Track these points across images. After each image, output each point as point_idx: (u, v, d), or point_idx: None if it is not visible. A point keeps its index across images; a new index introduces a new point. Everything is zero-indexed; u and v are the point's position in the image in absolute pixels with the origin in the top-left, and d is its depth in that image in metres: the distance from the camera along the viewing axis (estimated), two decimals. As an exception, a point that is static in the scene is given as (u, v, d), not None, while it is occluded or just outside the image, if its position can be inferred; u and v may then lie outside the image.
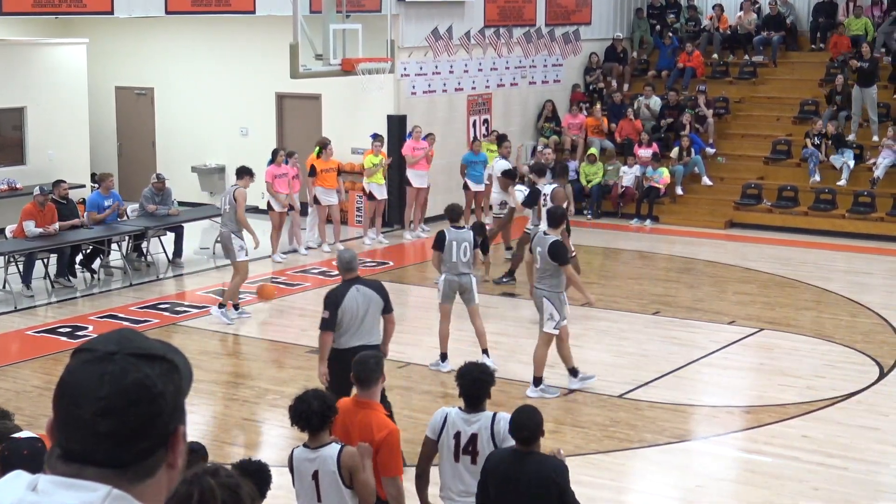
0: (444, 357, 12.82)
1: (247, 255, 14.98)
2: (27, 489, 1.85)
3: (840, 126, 21.90)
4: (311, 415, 6.51)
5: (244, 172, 15.62)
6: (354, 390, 7.30)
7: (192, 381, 2.00)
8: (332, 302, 9.71)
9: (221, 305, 14.79)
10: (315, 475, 6.57)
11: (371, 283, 10.06)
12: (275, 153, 18.74)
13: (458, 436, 6.94)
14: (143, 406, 1.85)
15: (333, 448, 6.56)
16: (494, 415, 6.95)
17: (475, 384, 7.00)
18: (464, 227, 12.86)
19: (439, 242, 12.63)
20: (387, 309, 9.90)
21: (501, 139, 19.79)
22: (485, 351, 12.66)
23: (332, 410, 6.60)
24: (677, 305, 15.73)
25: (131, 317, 15.18)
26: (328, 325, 9.69)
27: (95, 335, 1.98)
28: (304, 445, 6.68)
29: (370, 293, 9.81)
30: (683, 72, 24.89)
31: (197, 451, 6.18)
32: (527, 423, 6.47)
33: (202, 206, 21.39)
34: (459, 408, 7.10)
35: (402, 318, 15.30)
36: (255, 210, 20.20)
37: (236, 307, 15.03)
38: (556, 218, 11.83)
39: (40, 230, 16.22)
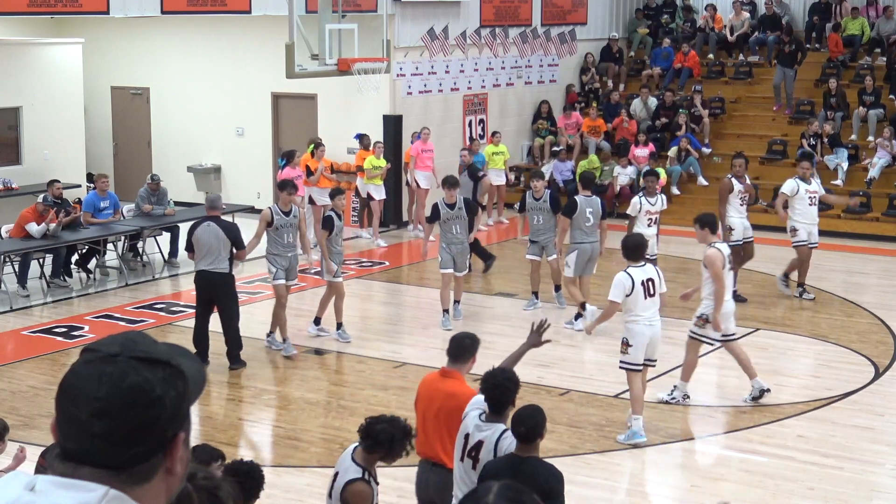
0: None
1: (275, 279, 13.52)
2: (25, 489, 1.85)
3: (837, 127, 21.94)
4: (371, 433, 6.51)
5: (280, 187, 13.93)
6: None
7: (203, 387, 2.00)
8: (190, 231, 12.96)
9: (269, 333, 13.87)
10: (335, 475, 6.62)
11: (224, 223, 12.87)
12: (291, 155, 18.62)
13: (467, 437, 6.92)
14: (140, 409, 1.85)
15: (351, 472, 6.50)
16: (503, 433, 6.78)
17: (497, 389, 6.85)
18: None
19: (329, 224, 13.64)
20: (236, 246, 12.70)
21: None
22: (315, 320, 14.11)
23: (382, 445, 6.50)
24: (673, 305, 15.72)
25: (127, 317, 15.18)
26: (186, 246, 13.11)
27: (106, 336, 1.98)
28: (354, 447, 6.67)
29: (217, 230, 12.65)
30: (680, 72, 24.93)
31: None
32: (526, 419, 6.48)
33: (198, 206, 21.37)
34: (483, 412, 6.93)
35: (399, 318, 15.32)
36: (250, 209, 20.20)
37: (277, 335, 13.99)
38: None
39: (43, 227, 16.11)
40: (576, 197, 14.73)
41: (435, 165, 20.42)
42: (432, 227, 14.95)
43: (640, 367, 10.70)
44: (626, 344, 10.69)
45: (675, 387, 11.78)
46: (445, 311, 14.62)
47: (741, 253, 15.51)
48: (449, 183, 14.64)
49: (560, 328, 14.73)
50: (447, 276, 14.55)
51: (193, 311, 15.47)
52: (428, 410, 7.42)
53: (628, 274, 10.62)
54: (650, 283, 10.63)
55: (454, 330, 13.93)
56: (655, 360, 10.94)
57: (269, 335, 13.78)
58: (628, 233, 14.18)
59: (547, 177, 22.07)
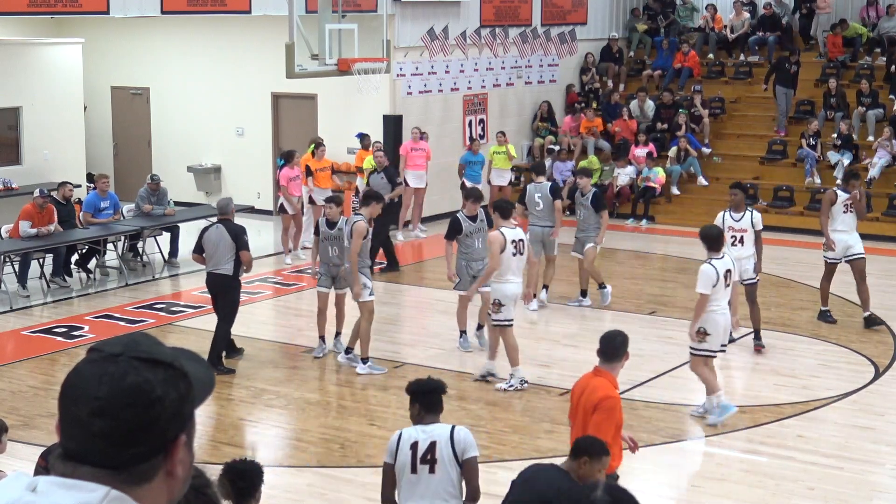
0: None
1: (371, 294, 12.82)
2: (26, 489, 1.85)
3: (850, 128, 21.92)
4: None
5: (370, 198, 13.02)
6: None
7: (210, 391, 2.00)
8: (200, 233, 13.03)
9: (365, 360, 12.81)
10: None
11: (230, 225, 12.76)
12: (290, 155, 18.61)
13: (414, 446, 6.80)
14: (139, 409, 1.85)
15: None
16: (453, 427, 6.91)
17: (429, 394, 6.99)
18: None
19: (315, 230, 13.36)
20: (238, 246, 12.60)
21: None
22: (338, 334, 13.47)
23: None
24: (673, 305, 15.75)
25: (127, 317, 15.18)
26: (194, 248, 13.10)
27: (112, 336, 1.98)
28: None
29: (224, 231, 12.65)
30: (680, 72, 24.94)
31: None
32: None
33: (198, 206, 21.40)
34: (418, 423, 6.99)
35: (398, 318, 15.32)
36: (249, 209, 20.20)
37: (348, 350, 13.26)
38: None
39: (35, 231, 16.23)
40: (527, 185, 15.41)
41: (430, 165, 20.44)
42: (452, 245, 13.39)
43: (715, 354, 11.14)
44: (704, 333, 10.96)
45: (511, 375, 12.15)
46: (463, 332, 13.57)
47: (834, 271, 14.55)
48: (474, 196, 13.48)
49: (560, 328, 14.74)
50: (464, 298, 13.33)
51: (195, 310, 15.55)
52: (578, 406, 7.55)
53: (712, 265, 10.90)
54: (728, 275, 11.01)
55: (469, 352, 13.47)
56: (725, 346, 11.32)
57: (365, 360, 12.88)
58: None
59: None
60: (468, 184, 20.57)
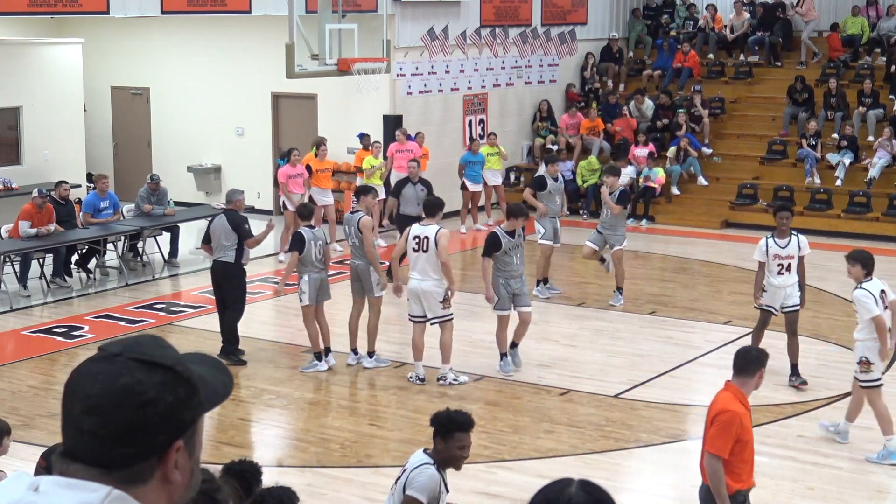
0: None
1: (383, 290, 12.92)
2: (28, 489, 1.86)
3: (855, 130, 21.91)
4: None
5: (363, 192, 13.18)
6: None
7: (224, 397, 2.00)
8: (209, 224, 13.41)
9: (371, 353, 13.04)
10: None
11: (231, 215, 12.99)
12: (289, 153, 18.63)
13: (406, 467, 6.82)
14: (128, 411, 1.85)
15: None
16: (423, 464, 6.59)
17: (444, 419, 6.81)
18: (315, 227, 13.22)
19: (300, 243, 12.60)
20: (240, 235, 12.87)
21: None
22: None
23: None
24: (673, 305, 15.76)
25: (127, 317, 15.18)
26: (203, 239, 13.54)
27: (120, 335, 1.99)
28: None
29: (224, 220, 12.92)
30: (680, 72, 24.94)
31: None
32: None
33: (198, 205, 21.39)
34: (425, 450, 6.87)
35: (398, 318, 15.30)
36: (250, 209, 20.20)
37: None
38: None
39: (35, 231, 16.23)
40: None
41: (429, 165, 20.38)
42: (491, 263, 12.59)
43: (881, 383, 10.38)
44: (867, 363, 10.24)
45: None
46: (504, 354, 12.79)
47: None
48: (524, 215, 12.69)
49: (560, 328, 14.74)
50: (504, 318, 12.66)
51: (195, 310, 15.53)
52: (706, 422, 7.35)
53: (864, 289, 10.29)
54: (883, 295, 10.33)
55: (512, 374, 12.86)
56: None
57: (371, 354, 13.07)
58: (756, 282, 12.50)
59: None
60: (468, 184, 20.59)
